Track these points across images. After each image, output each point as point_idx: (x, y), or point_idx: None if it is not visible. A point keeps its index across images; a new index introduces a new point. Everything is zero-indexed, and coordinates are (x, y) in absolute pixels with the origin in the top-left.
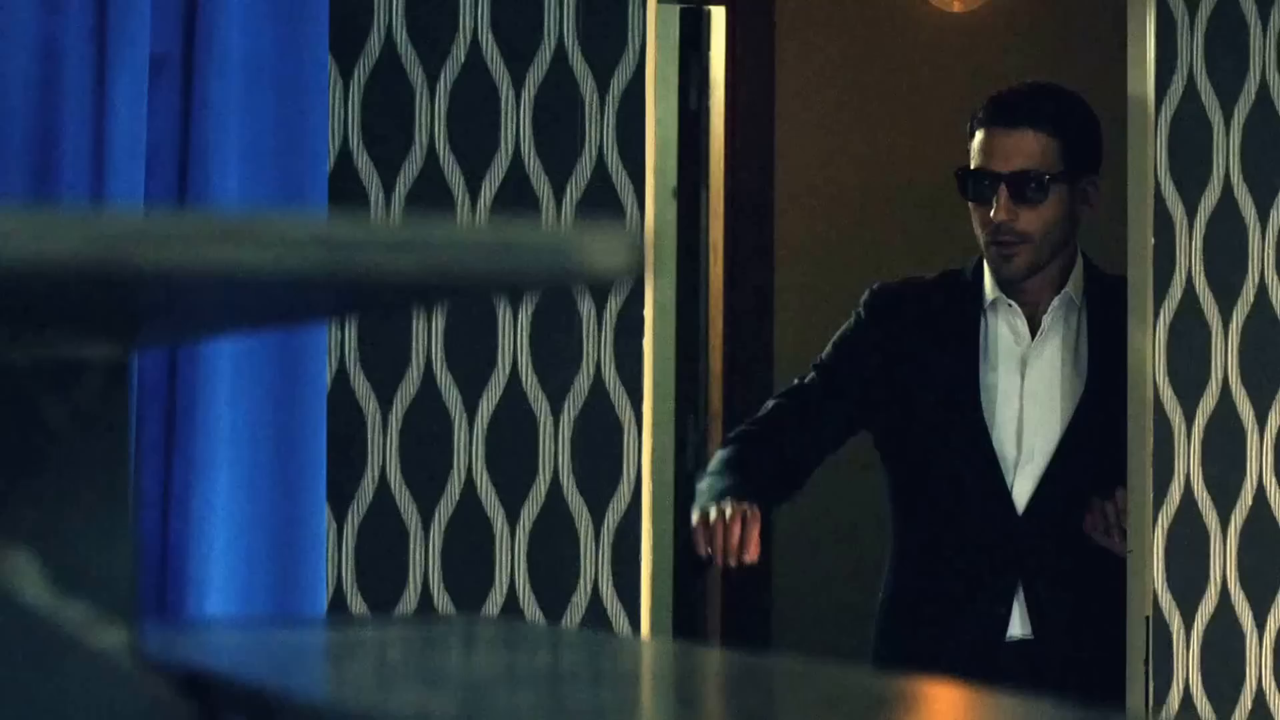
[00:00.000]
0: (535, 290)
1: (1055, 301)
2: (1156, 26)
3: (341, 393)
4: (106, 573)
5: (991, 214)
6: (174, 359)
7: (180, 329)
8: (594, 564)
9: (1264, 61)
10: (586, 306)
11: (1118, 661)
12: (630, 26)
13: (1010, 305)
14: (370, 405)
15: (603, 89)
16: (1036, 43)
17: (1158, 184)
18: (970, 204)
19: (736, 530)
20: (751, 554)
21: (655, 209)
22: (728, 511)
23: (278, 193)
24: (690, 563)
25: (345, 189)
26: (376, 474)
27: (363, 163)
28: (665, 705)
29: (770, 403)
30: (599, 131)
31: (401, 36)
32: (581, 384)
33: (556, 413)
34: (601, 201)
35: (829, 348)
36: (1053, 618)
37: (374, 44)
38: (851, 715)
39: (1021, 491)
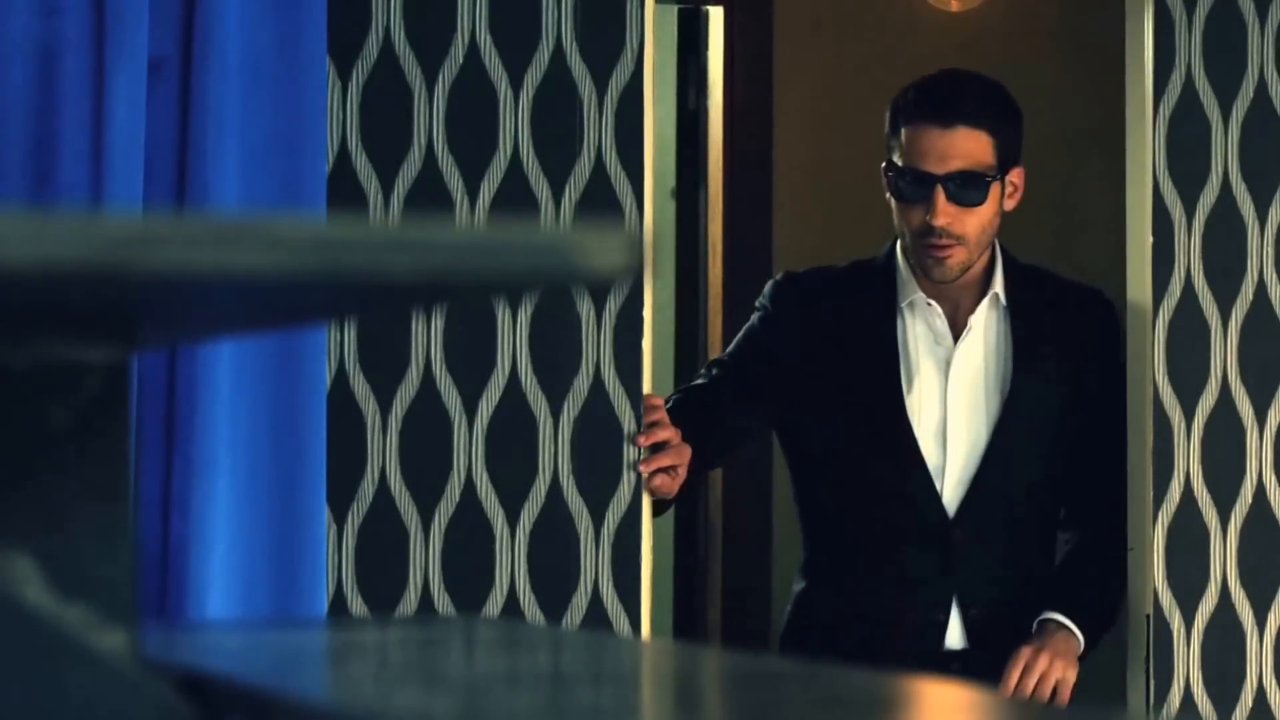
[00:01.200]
0: (534, 291)
1: (984, 304)
2: (1155, 25)
3: (341, 394)
4: (107, 575)
5: (928, 217)
6: (174, 361)
7: (180, 331)
8: (594, 565)
9: (1262, 60)
10: (586, 307)
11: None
12: (628, 27)
13: (930, 305)
14: (370, 406)
15: (601, 90)
16: (1034, 42)
17: (1156, 183)
18: (895, 202)
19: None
20: (662, 483)
21: (654, 209)
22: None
23: (276, 194)
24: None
25: (344, 190)
26: (376, 475)
27: (361, 164)
28: (666, 706)
29: (672, 396)
30: (597, 132)
31: (400, 38)
32: (581, 385)
33: (556, 413)
34: (600, 202)
35: (733, 342)
36: (989, 629)
37: (372, 45)
38: (852, 716)
39: (951, 499)
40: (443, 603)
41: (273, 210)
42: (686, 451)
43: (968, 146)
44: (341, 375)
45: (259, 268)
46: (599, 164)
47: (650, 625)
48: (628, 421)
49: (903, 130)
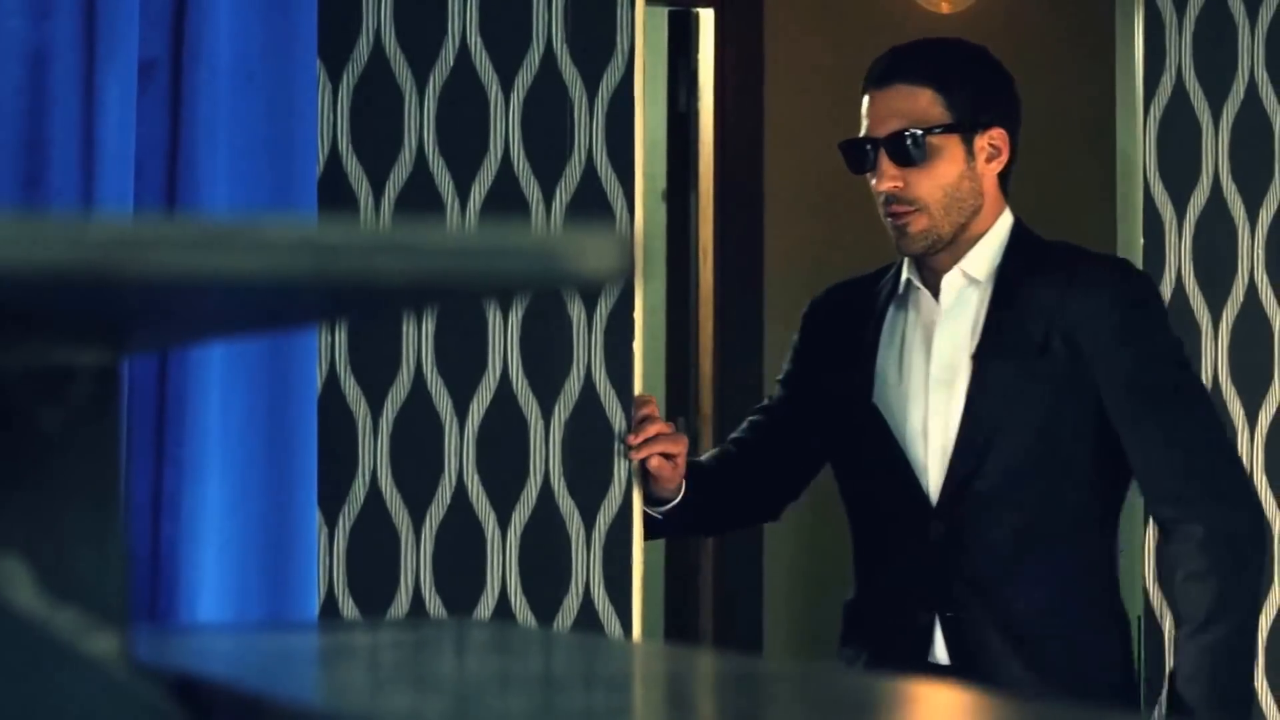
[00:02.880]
0: (525, 293)
1: (952, 280)
2: (1145, 26)
3: (332, 396)
4: (97, 578)
5: (878, 182)
6: (164, 364)
7: (170, 334)
8: (585, 567)
9: (1252, 61)
10: (576, 309)
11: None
12: (619, 29)
13: (918, 289)
14: (361, 409)
15: (591, 92)
16: (1024, 44)
17: (1146, 183)
18: (868, 180)
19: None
20: (657, 468)
21: (645, 211)
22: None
23: (267, 197)
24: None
25: (334, 193)
26: (367, 477)
27: (352, 166)
28: (657, 708)
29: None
30: (588, 134)
31: (390, 40)
32: (572, 387)
33: (547, 416)
34: (591, 204)
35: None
36: (973, 645)
37: (363, 48)
38: (844, 718)
39: (934, 493)
40: (434, 605)
41: (263, 212)
42: (683, 441)
43: (904, 105)
44: (332, 378)
45: (249, 271)
46: (590, 166)
47: (641, 627)
48: (619, 424)
49: (863, 104)
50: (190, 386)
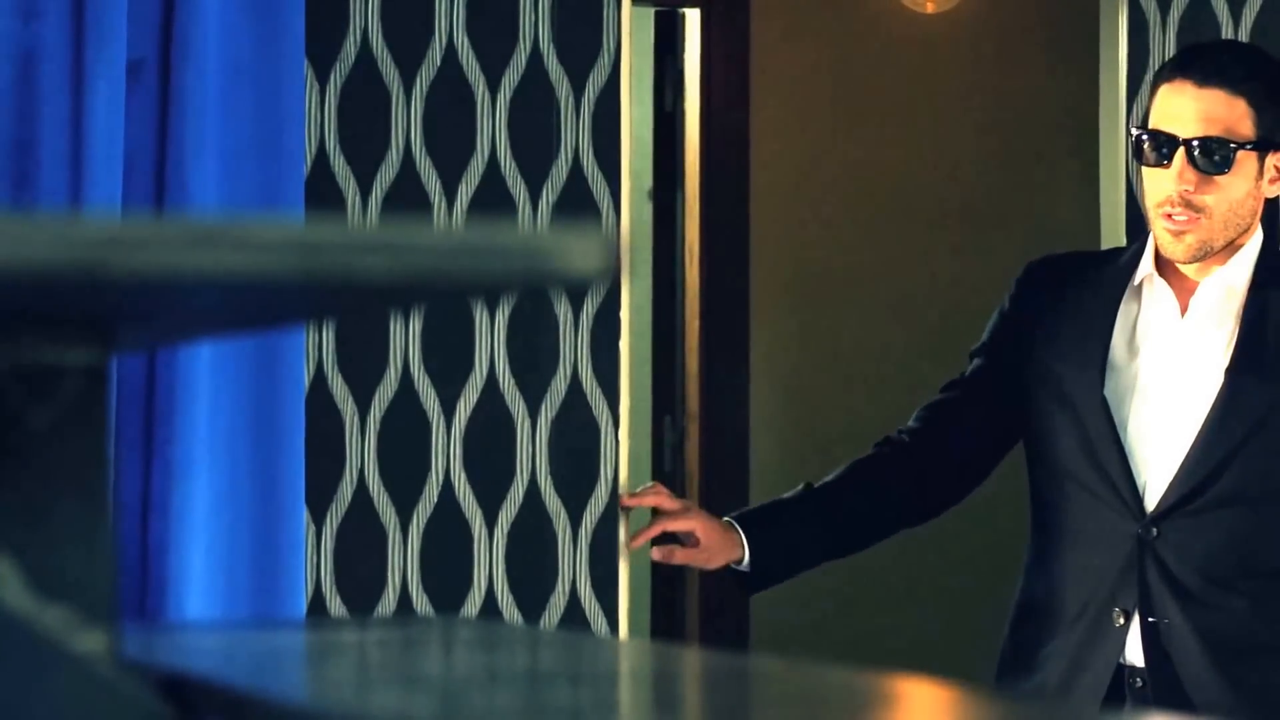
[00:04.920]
0: (512, 292)
1: (1208, 281)
2: (1129, 26)
3: (320, 395)
4: (85, 576)
5: (1167, 181)
6: (153, 362)
7: (159, 333)
8: (572, 565)
9: None
10: (563, 308)
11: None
12: (605, 29)
13: (1162, 284)
14: (349, 407)
15: (578, 91)
16: (1010, 43)
17: (1130, 184)
18: (1143, 170)
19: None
20: (661, 554)
21: (631, 211)
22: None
23: (255, 196)
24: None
25: (322, 192)
26: (355, 476)
27: (339, 166)
28: (644, 706)
29: (932, 400)
30: (574, 134)
31: (377, 40)
32: (559, 385)
33: (534, 414)
34: (577, 204)
35: (987, 329)
36: (1171, 652)
37: (350, 47)
38: (830, 715)
39: (1152, 496)
40: (421, 603)
41: (251, 212)
42: (695, 520)
43: (1221, 111)
44: (320, 376)
45: (237, 269)
46: (576, 165)
47: (628, 625)
48: (605, 422)
49: (1156, 92)
50: (178, 385)
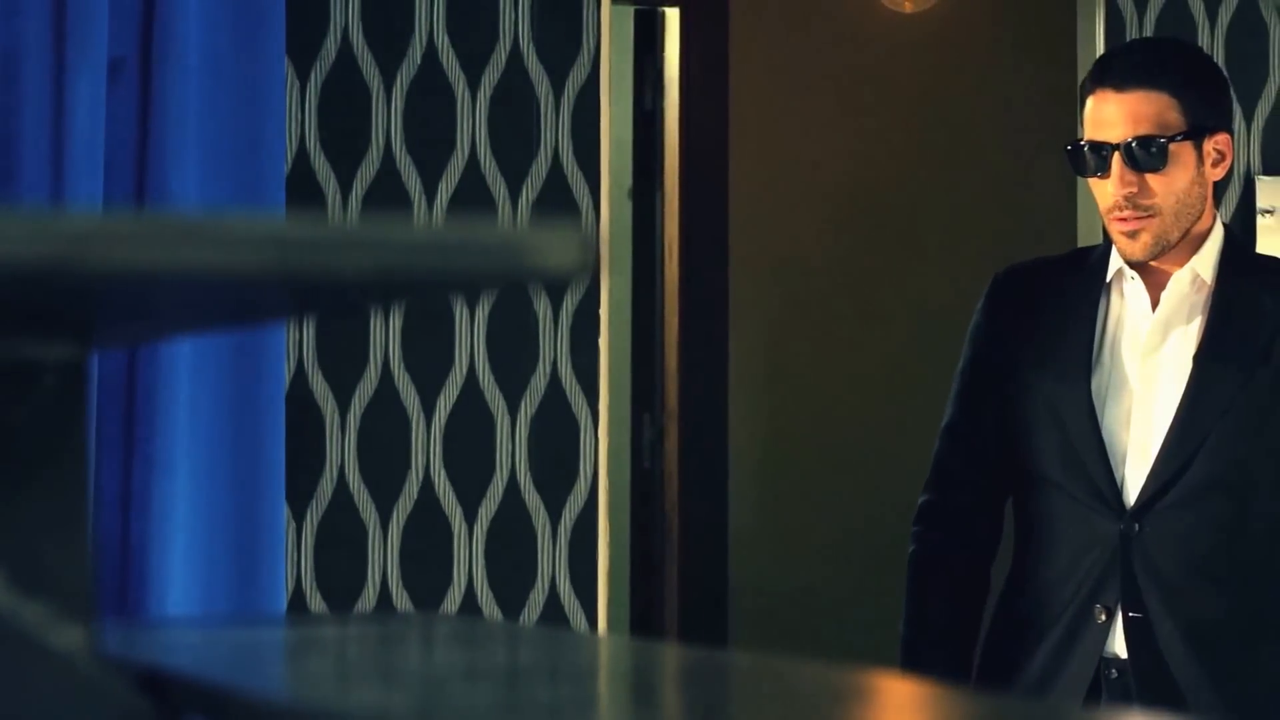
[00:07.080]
0: (492, 290)
1: (1178, 274)
2: (1106, 25)
3: (300, 392)
4: (64, 571)
5: (1109, 188)
6: (133, 359)
7: (139, 329)
8: (551, 561)
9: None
10: (543, 306)
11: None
12: (585, 28)
13: (1133, 278)
14: (329, 405)
15: (558, 90)
16: (987, 42)
17: None
18: (1089, 181)
19: None
20: None
21: (610, 208)
22: None
23: (235, 194)
24: None
25: (302, 190)
26: (335, 473)
27: (320, 163)
28: (623, 701)
29: (936, 445)
30: (554, 132)
31: (358, 38)
32: (538, 383)
33: (514, 411)
34: (557, 201)
35: (965, 347)
36: (1155, 644)
37: (330, 46)
38: (808, 710)
39: (1132, 488)
40: (401, 599)
41: (231, 209)
42: None
43: (1144, 110)
44: (300, 374)
45: (216, 266)
46: (556, 163)
47: (607, 621)
48: (584, 419)
49: (1086, 103)
50: (159, 382)
